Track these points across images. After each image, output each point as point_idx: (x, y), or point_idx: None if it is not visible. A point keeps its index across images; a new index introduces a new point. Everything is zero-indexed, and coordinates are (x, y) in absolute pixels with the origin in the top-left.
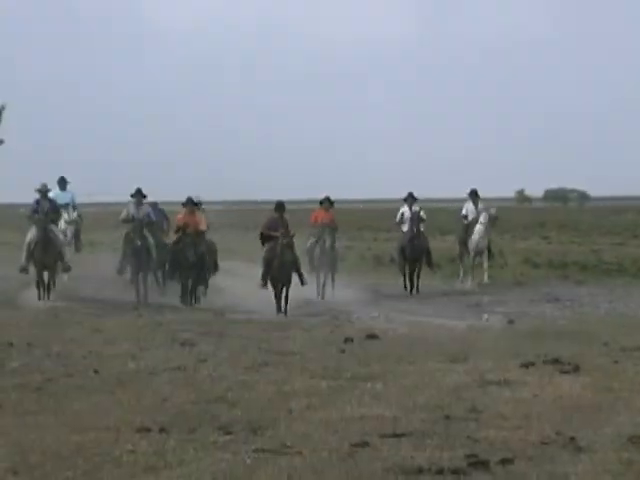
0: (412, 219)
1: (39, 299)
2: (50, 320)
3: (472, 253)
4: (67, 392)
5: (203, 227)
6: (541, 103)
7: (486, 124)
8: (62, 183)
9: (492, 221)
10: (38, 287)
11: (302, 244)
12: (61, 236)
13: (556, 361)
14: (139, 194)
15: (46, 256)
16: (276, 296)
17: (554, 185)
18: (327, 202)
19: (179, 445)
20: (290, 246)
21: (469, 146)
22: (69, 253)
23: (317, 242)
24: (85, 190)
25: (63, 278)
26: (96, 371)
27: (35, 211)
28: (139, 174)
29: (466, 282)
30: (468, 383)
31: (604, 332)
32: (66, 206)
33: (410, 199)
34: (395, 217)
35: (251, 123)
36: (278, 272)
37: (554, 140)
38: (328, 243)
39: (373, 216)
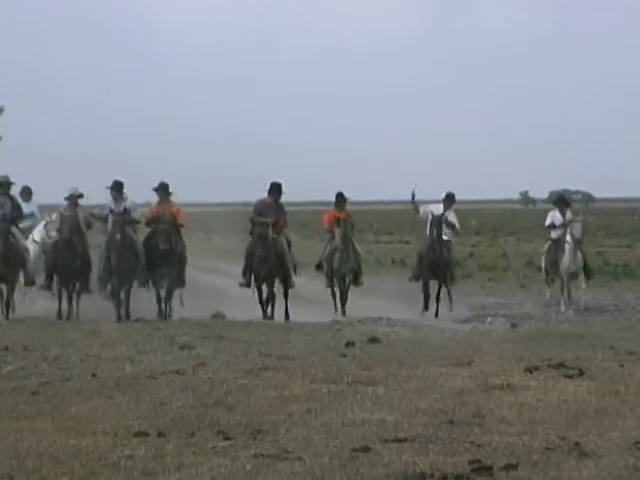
0: (432, 223)
1: None
2: (47, 323)
3: (565, 277)
4: (64, 396)
5: (181, 221)
6: (544, 104)
7: (489, 124)
8: (26, 194)
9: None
10: None
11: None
12: (31, 246)
13: (561, 365)
14: (118, 187)
15: (6, 267)
16: (259, 298)
17: (558, 186)
18: (343, 201)
19: (178, 450)
20: (273, 234)
21: (472, 147)
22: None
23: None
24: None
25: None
26: (94, 375)
27: None
28: (139, 174)
29: (560, 306)
30: (472, 387)
31: (610, 336)
32: (30, 216)
33: (448, 200)
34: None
35: (251, 123)
36: (259, 266)
37: (558, 141)
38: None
39: (374, 219)
